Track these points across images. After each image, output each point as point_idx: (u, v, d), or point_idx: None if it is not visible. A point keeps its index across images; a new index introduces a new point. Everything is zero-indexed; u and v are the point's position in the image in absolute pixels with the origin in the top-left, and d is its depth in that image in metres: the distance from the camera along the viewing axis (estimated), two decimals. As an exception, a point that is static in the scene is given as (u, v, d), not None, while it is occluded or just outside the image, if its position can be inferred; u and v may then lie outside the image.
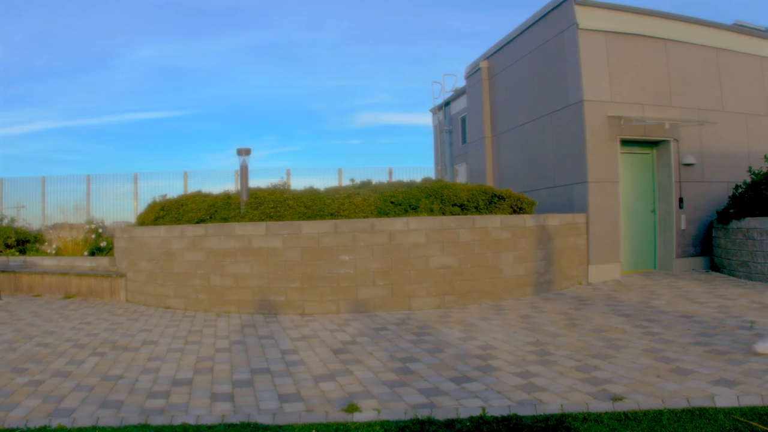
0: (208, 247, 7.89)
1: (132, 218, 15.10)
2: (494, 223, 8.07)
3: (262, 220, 8.04)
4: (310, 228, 7.48)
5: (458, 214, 8.30)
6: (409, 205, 8.15)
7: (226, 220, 8.39)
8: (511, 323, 6.48)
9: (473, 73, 14.78)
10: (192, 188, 14.30)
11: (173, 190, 14.71)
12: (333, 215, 7.86)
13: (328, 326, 6.56)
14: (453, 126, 19.06)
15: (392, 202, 8.13)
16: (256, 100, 59.72)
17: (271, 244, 7.56)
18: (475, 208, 8.45)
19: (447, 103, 19.46)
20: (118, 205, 15.67)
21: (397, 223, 7.51)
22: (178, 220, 8.91)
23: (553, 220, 8.96)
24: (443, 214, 8.29)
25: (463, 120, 17.83)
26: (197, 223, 8.59)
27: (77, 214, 13.58)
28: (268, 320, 7.09)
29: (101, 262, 10.31)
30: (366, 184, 8.99)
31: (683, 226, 10.53)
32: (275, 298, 7.51)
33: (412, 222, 7.56)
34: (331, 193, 8.25)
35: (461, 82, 18.76)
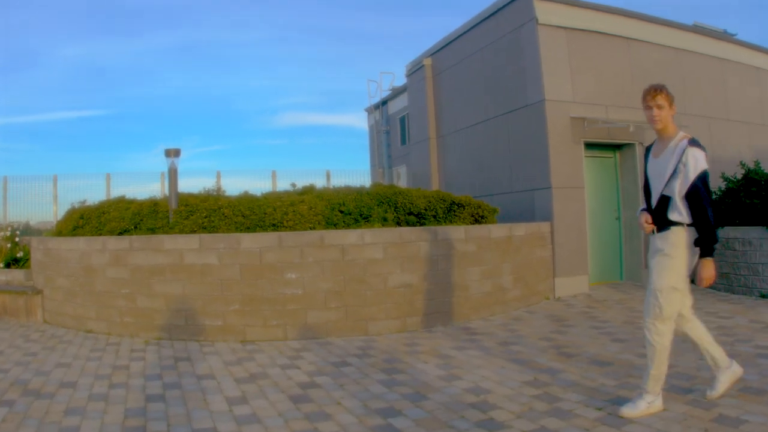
0: (134, 262, 6.80)
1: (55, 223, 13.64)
2: (458, 234, 7.28)
3: (195, 231, 7.00)
4: (251, 241, 6.50)
5: (414, 224, 7.48)
6: (360, 214, 7.28)
7: (153, 231, 7.30)
8: (493, 354, 5.62)
9: (416, 70, 13.96)
10: (116, 191, 13.02)
11: (96, 192, 13.38)
12: (276, 226, 6.89)
13: (277, 360, 5.59)
14: (391, 126, 18.29)
15: (341, 211, 7.24)
16: (180, 100, 58.30)
17: (206, 260, 6.53)
18: (434, 217, 7.65)
19: (384, 103, 18.67)
20: (40, 209, 14.18)
21: (351, 236, 6.62)
22: (99, 231, 7.77)
23: (519, 229, 8.25)
24: (398, 224, 7.46)
25: (402, 120, 17.09)
26: (121, 234, 7.48)
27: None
28: (204, 350, 6.07)
29: (16, 275, 9.00)
30: (309, 190, 8.05)
31: (648, 234, 10.04)
32: (212, 323, 6.49)
33: (368, 235, 6.68)
34: (272, 200, 7.27)
35: (400, 81, 18.09)
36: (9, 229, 10.64)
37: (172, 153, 7.32)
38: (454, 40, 12.09)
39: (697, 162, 3.57)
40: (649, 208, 3.93)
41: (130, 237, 6.93)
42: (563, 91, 9.31)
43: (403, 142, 16.93)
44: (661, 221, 3.78)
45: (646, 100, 3.75)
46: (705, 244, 3.61)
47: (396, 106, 17.82)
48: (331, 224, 7.03)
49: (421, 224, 7.49)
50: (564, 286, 9.10)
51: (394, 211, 7.42)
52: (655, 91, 3.71)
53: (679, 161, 3.62)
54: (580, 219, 9.38)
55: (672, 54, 10.52)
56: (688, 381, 4.45)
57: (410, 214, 7.47)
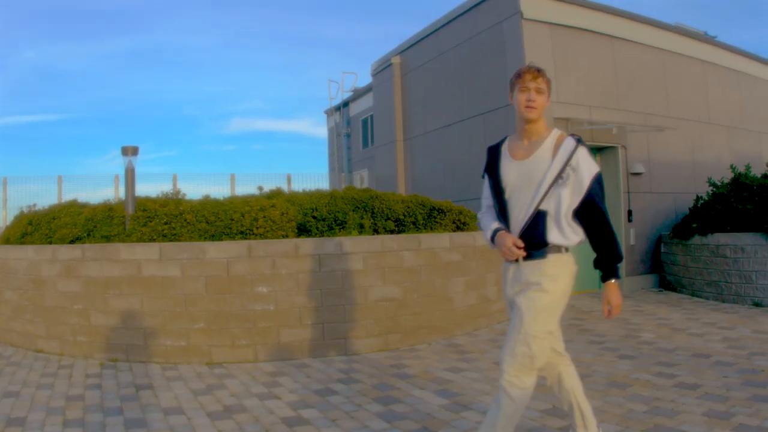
0: (87, 274, 6.11)
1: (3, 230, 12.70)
2: (443, 242, 6.78)
3: (154, 239, 6.34)
4: (217, 251, 5.87)
5: (393, 231, 6.94)
6: (335, 220, 6.71)
7: (108, 238, 6.60)
8: (494, 377, 5.07)
9: (382, 69, 13.42)
10: (68, 195, 12.17)
11: (48, 197, 12.49)
12: (244, 234, 6.27)
13: (252, 387, 4.97)
14: (352, 128, 17.73)
15: (314, 217, 6.66)
16: (134, 104, 57.26)
17: (167, 272, 5.88)
18: (413, 224, 7.12)
19: (346, 104, 18.09)
20: None
21: (328, 245, 6.05)
22: (49, 238, 7.02)
23: (504, 236, 7.79)
24: (375, 231, 6.91)
25: (365, 122, 16.53)
26: (72, 242, 6.75)
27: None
28: (167, 374, 5.43)
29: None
30: (277, 194, 7.42)
31: (632, 241, 9.72)
32: (174, 343, 5.84)
33: (347, 243, 6.12)
34: (239, 205, 6.63)
35: (363, 81, 17.56)
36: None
37: (130, 151, 6.62)
38: (426, 36, 11.58)
39: (590, 165, 2.82)
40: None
41: (82, 246, 6.23)
42: (547, 91, 8.88)
43: (365, 144, 16.33)
44: (534, 244, 2.85)
45: (523, 81, 2.87)
46: (611, 264, 2.88)
47: (358, 107, 17.23)
48: (303, 232, 6.45)
49: (401, 231, 6.96)
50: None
51: (371, 217, 6.87)
52: (537, 71, 2.88)
53: (566, 165, 2.80)
54: (564, 225, 8.98)
55: (655, 54, 10.22)
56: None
57: (388, 219, 6.94)
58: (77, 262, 6.19)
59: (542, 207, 2.83)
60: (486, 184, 3.13)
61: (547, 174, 2.82)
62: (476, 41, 9.94)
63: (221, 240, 6.23)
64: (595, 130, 9.28)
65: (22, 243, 7.35)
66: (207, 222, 6.40)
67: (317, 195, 7.06)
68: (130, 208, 6.57)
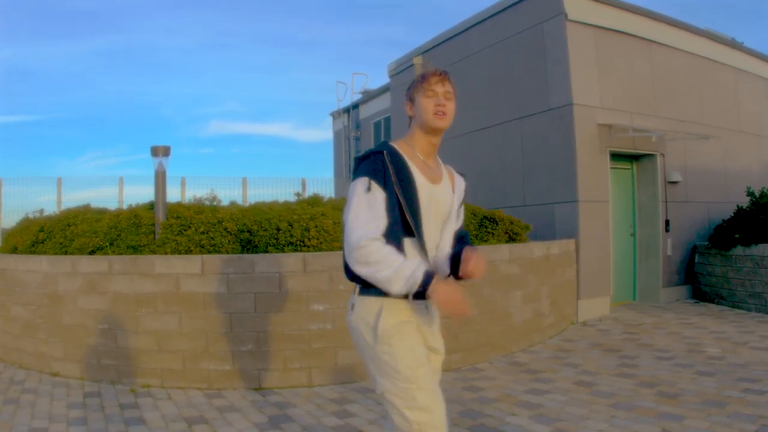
0: (115, 290, 5.43)
1: None
2: (503, 254, 6.28)
3: (191, 250, 5.71)
4: (268, 265, 5.27)
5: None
6: (389, 231, 6.16)
7: (135, 249, 5.95)
8: (581, 399, 4.74)
9: (402, 70, 12.89)
10: (65, 197, 11.35)
11: (46, 200, 11.62)
12: (294, 245, 5.67)
13: (323, 418, 4.36)
14: (362, 132, 17.19)
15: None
16: (110, 105, 56.01)
17: (210, 287, 5.26)
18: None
19: (355, 106, 17.53)
20: None
21: (390, 259, 5.49)
22: (65, 248, 6.32)
23: (554, 248, 7.35)
24: (433, 242, 6.38)
25: (377, 125, 15.99)
26: (93, 252, 6.08)
27: None
28: (215, 403, 4.81)
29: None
30: (317, 200, 6.87)
31: (669, 251, 9.35)
32: (218, 367, 5.22)
33: (409, 256, 5.57)
34: (284, 214, 6.03)
35: (375, 83, 17.05)
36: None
37: (161, 151, 5.97)
38: (452, 37, 11.08)
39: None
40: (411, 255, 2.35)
41: (108, 257, 5.56)
42: (590, 95, 8.48)
43: (377, 148, 15.80)
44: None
45: (429, 84, 2.35)
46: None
47: (370, 109, 16.66)
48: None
49: (457, 243, 6.45)
50: (587, 309, 8.27)
51: (425, 227, 6.33)
52: (444, 74, 2.39)
53: (460, 206, 2.58)
54: (604, 235, 8.58)
55: (689, 60, 9.90)
56: None
57: (443, 230, 6.41)
58: (102, 276, 5.52)
59: (445, 245, 2.47)
60: (380, 198, 2.25)
61: (452, 212, 2.49)
62: (512, 42, 9.44)
63: (267, 252, 5.64)
64: (636, 138, 8.90)
65: (32, 252, 6.64)
66: (250, 232, 5.80)
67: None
68: (161, 214, 5.94)
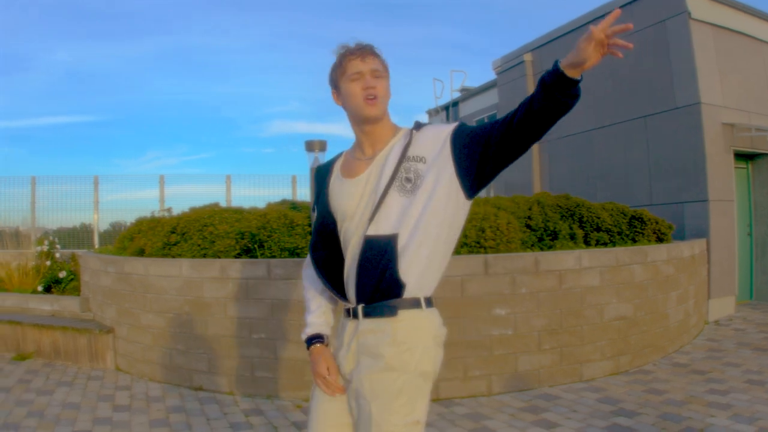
0: (274, 296, 5.25)
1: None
2: (661, 255, 6.06)
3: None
4: (450, 268, 5.07)
5: (606, 243, 6.21)
6: (545, 230, 5.96)
7: (291, 252, 5.80)
8: (765, 398, 4.64)
9: (511, 67, 12.51)
10: (105, 196, 11.44)
11: (81, 198, 11.63)
12: (469, 246, 5.43)
13: (526, 431, 4.19)
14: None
15: (528, 226, 5.91)
16: (167, 106, 56.53)
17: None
18: (618, 233, 6.40)
19: (455, 104, 17.18)
20: (70, 215, 12.24)
21: (568, 260, 5.28)
22: (204, 249, 6.10)
23: (696, 248, 7.13)
24: (586, 243, 6.17)
25: (480, 123, 15.71)
26: (238, 255, 5.89)
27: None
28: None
29: (66, 304, 7.23)
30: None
31: (786, 252, 9.04)
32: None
33: (585, 257, 5.35)
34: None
35: (474, 81, 16.71)
36: (46, 242, 8.80)
37: (317, 146, 5.73)
38: (565, 33, 10.68)
39: (441, 127, 2.03)
40: (331, 274, 2.04)
41: (268, 261, 5.35)
42: (714, 94, 8.26)
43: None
44: (376, 293, 1.92)
45: (350, 64, 1.91)
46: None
47: (471, 107, 16.31)
48: (525, 244, 5.68)
49: (612, 243, 6.23)
50: (716, 308, 8.05)
51: (580, 226, 6.13)
52: (362, 48, 1.93)
53: (402, 158, 1.93)
54: (730, 235, 8.33)
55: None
56: None
57: (597, 230, 6.20)
58: (260, 281, 5.31)
59: (383, 230, 1.87)
60: (314, 217, 2.09)
61: (380, 182, 1.90)
62: (633, 39, 9.16)
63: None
64: (755, 137, 8.63)
65: (164, 256, 6.44)
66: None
67: (521, 200, 6.29)
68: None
